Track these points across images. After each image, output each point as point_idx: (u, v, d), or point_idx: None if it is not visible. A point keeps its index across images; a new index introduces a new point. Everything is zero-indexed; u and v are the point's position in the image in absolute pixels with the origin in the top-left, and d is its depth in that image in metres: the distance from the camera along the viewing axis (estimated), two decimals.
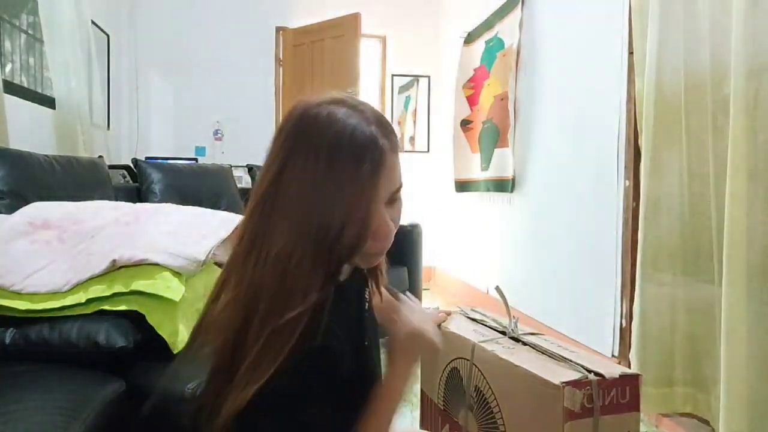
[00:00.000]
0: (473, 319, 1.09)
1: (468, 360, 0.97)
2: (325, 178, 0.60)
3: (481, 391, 0.94)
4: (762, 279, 1.40)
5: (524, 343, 0.95)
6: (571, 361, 0.85)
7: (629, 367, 1.83)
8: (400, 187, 0.68)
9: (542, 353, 0.90)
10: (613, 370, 0.81)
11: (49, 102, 2.62)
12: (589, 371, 0.81)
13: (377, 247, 0.66)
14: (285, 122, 0.67)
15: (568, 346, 0.94)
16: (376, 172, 0.62)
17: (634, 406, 0.81)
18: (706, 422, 1.72)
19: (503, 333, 1.00)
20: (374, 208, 0.63)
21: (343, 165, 0.61)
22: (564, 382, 0.77)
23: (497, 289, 1.03)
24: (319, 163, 0.60)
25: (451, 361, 1.03)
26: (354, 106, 0.68)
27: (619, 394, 0.80)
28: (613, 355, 2.15)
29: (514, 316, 1.01)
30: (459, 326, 1.05)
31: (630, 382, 0.81)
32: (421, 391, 1.17)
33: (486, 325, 1.05)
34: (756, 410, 1.39)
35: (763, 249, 1.39)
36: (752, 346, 1.39)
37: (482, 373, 0.94)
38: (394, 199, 0.68)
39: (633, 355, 1.82)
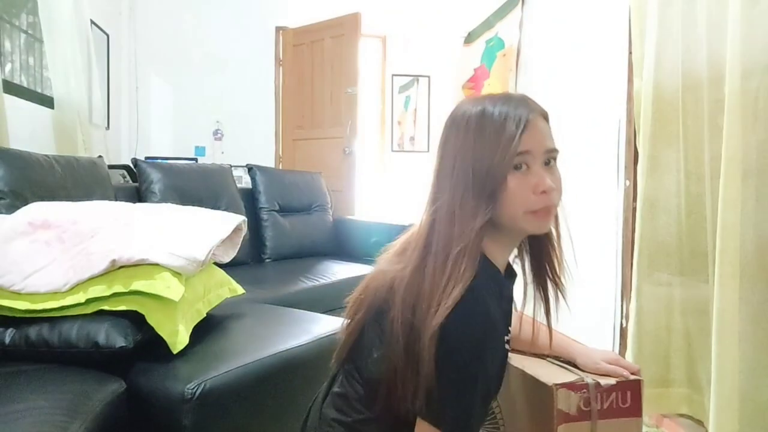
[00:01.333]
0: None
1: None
2: (473, 141, 0.74)
3: None
4: (754, 279, 1.40)
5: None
6: (573, 364, 0.84)
7: None
8: (552, 150, 0.79)
9: (546, 355, 0.90)
10: (608, 381, 0.80)
11: (48, 102, 2.62)
12: (588, 374, 0.80)
13: (531, 202, 0.73)
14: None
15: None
16: (513, 134, 0.73)
17: (635, 411, 0.79)
18: (701, 423, 1.72)
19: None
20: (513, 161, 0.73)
21: (483, 132, 0.74)
22: (557, 384, 0.76)
23: None
24: (468, 133, 0.75)
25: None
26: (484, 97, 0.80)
27: (619, 399, 0.79)
28: None
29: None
30: (535, 364, 1.03)
31: (631, 387, 0.79)
32: None
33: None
34: (747, 411, 1.39)
35: (755, 249, 1.39)
36: (744, 346, 1.39)
37: None
38: (547, 160, 0.77)
39: (629, 355, 1.82)
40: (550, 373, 0.81)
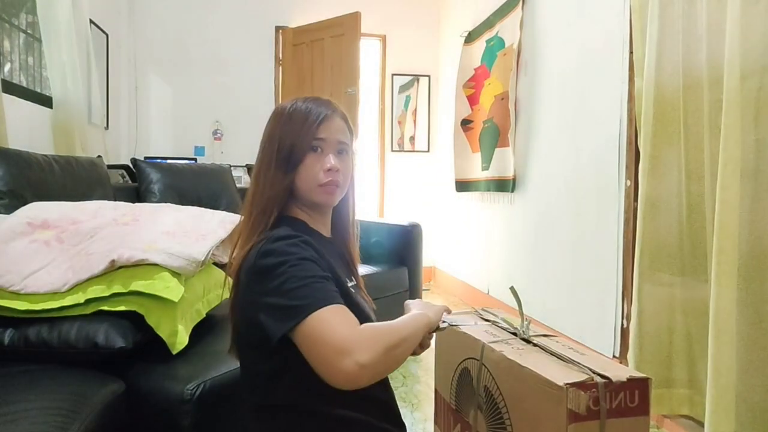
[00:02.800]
0: (486, 320, 1.09)
1: (477, 360, 0.97)
2: (283, 125, 0.93)
3: (489, 391, 0.93)
4: (750, 279, 1.40)
5: (534, 345, 0.94)
6: (579, 363, 0.84)
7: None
8: (343, 143, 0.95)
9: (551, 355, 0.90)
10: (621, 373, 0.80)
11: (47, 101, 2.62)
12: (597, 374, 0.80)
13: (319, 177, 0.92)
14: None
15: (578, 348, 0.93)
16: (313, 122, 0.92)
17: (643, 410, 0.79)
18: (702, 424, 1.71)
19: (514, 334, 1.00)
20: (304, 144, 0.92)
21: (292, 119, 0.93)
22: (568, 384, 0.75)
23: (512, 289, 1.04)
24: (281, 120, 0.94)
25: (463, 361, 1.03)
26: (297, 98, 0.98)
27: (627, 398, 0.78)
28: (614, 356, 2.14)
29: (526, 318, 1.01)
30: (471, 327, 1.05)
31: (639, 386, 0.79)
32: (435, 390, 1.17)
33: (498, 326, 1.05)
34: (743, 411, 1.38)
35: (751, 250, 1.39)
36: (740, 346, 1.39)
37: (491, 374, 0.94)
38: (339, 150, 0.94)
39: (630, 355, 1.82)
40: (558, 372, 0.80)
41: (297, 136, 0.91)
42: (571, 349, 0.92)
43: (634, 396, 0.79)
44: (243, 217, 0.93)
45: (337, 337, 0.72)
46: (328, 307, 0.75)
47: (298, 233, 0.86)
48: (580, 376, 0.78)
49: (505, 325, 1.04)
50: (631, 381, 0.79)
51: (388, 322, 0.83)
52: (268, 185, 0.91)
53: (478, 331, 1.02)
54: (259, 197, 0.91)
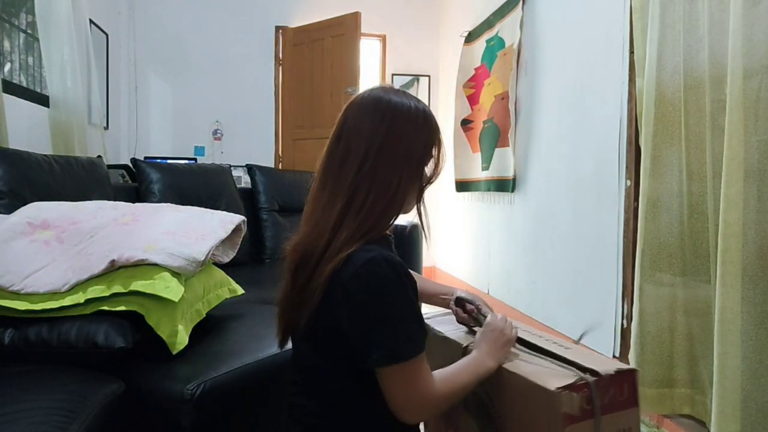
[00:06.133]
0: (466, 312, 1.07)
1: None
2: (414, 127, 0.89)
3: (478, 396, 0.93)
4: (755, 279, 1.39)
5: (517, 341, 0.93)
6: (565, 359, 0.83)
7: None
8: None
9: (535, 352, 0.89)
10: (608, 366, 0.80)
11: (47, 101, 2.62)
12: (584, 369, 0.79)
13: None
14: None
15: (561, 341, 0.92)
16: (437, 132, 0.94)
17: (632, 402, 0.80)
18: (703, 424, 1.71)
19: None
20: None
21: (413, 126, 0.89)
22: (560, 388, 0.75)
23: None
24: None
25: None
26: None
27: (617, 392, 0.79)
28: (614, 356, 2.14)
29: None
30: (450, 327, 1.05)
31: (627, 378, 0.79)
32: None
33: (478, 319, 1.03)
34: (749, 412, 1.38)
35: (757, 250, 1.39)
36: (746, 347, 1.39)
37: None
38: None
39: (631, 355, 1.82)
40: (546, 374, 0.80)
41: (428, 144, 0.89)
42: (555, 343, 0.91)
43: (623, 389, 0.79)
44: (345, 202, 0.83)
45: (419, 393, 0.78)
46: (422, 354, 0.79)
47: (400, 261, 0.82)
48: (570, 378, 0.77)
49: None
50: (620, 374, 0.79)
51: (460, 370, 0.85)
52: (402, 187, 0.85)
53: (459, 332, 1.02)
54: (385, 194, 0.83)
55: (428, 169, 0.90)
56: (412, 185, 0.87)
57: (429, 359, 0.81)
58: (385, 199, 0.83)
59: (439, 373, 0.82)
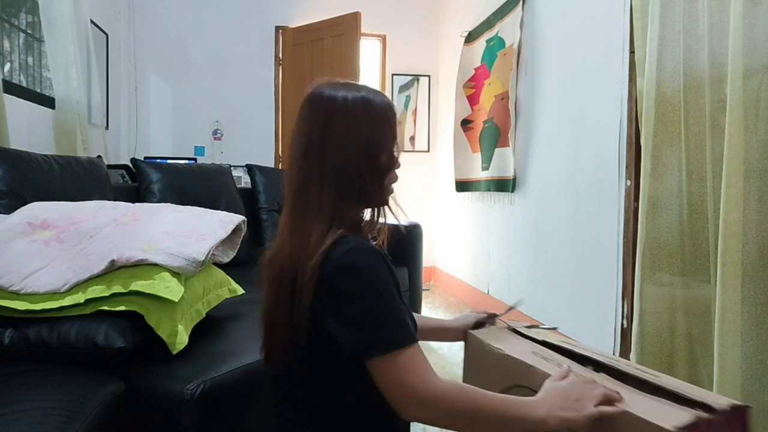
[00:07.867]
0: (521, 334, 0.99)
1: (533, 390, 0.81)
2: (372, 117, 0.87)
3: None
4: (756, 280, 1.39)
5: (595, 366, 0.83)
6: (665, 390, 0.73)
7: None
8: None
9: (628, 384, 0.77)
10: (720, 401, 0.70)
11: (48, 102, 2.62)
12: (693, 403, 0.70)
13: (393, 179, 0.91)
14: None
15: (646, 369, 0.82)
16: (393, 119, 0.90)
17: None
18: None
19: (556, 349, 0.90)
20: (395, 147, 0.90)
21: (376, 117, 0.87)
22: (678, 428, 0.66)
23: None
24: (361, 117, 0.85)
25: (511, 387, 0.90)
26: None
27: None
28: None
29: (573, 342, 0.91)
30: (513, 347, 0.93)
31: (741, 416, 0.71)
32: None
33: (536, 342, 0.94)
34: (753, 412, 1.38)
35: (757, 250, 1.39)
36: (746, 347, 1.38)
37: None
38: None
39: (632, 355, 1.82)
40: (658, 411, 0.69)
41: (390, 132, 0.88)
42: (644, 372, 0.80)
43: (736, 428, 0.70)
44: (316, 192, 0.82)
45: (417, 384, 0.74)
46: (417, 343, 0.76)
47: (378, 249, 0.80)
48: (686, 416, 0.67)
49: (543, 338, 0.93)
50: (734, 410, 0.69)
51: (501, 397, 0.77)
52: (355, 178, 0.83)
53: (525, 353, 0.89)
54: (337, 186, 0.82)
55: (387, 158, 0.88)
56: (370, 175, 0.85)
57: (482, 378, 0.78)
58: (341, 191, 0.82)
59: (467, 385, 0.77)
